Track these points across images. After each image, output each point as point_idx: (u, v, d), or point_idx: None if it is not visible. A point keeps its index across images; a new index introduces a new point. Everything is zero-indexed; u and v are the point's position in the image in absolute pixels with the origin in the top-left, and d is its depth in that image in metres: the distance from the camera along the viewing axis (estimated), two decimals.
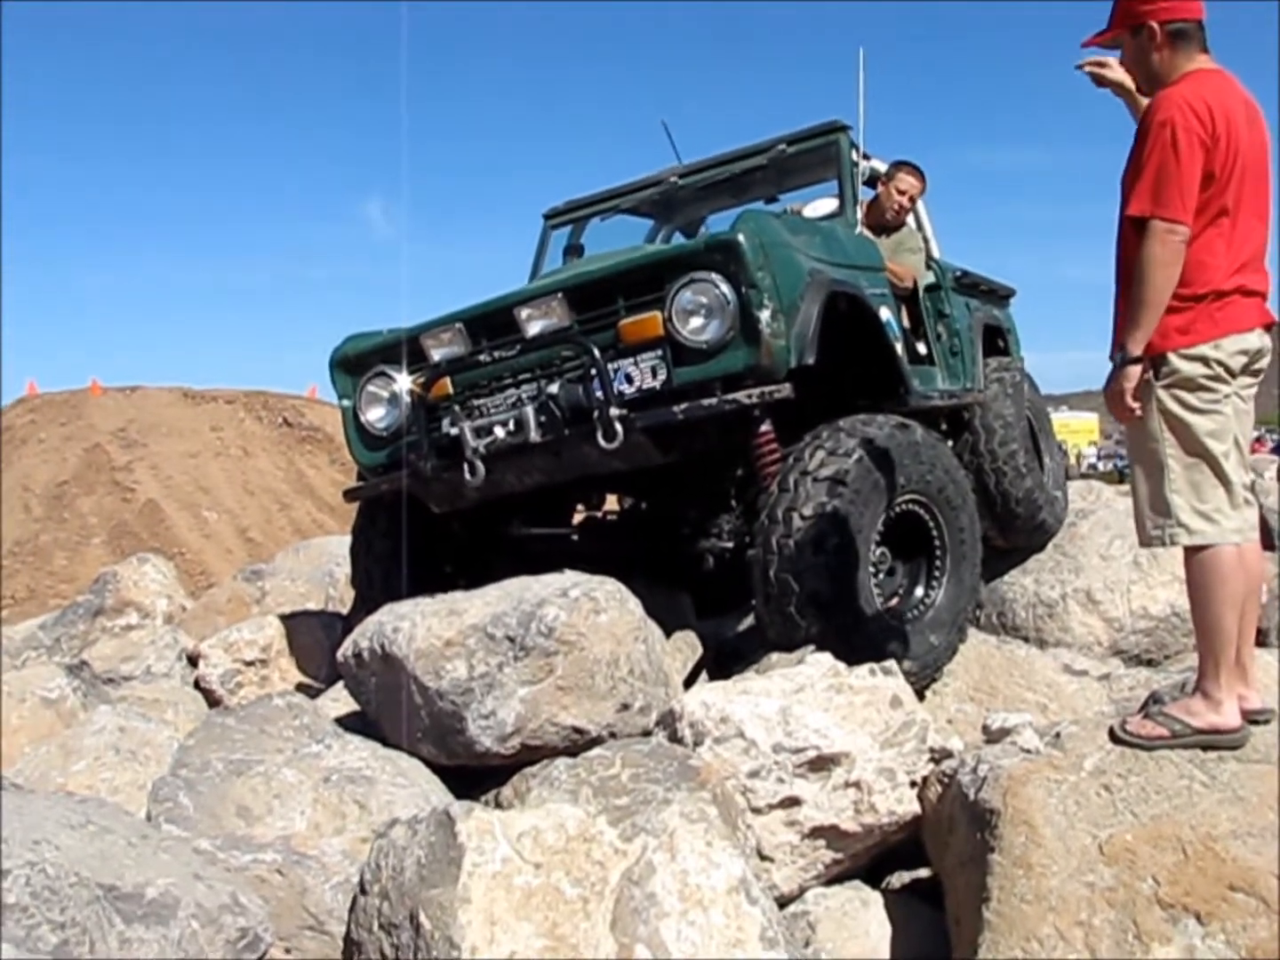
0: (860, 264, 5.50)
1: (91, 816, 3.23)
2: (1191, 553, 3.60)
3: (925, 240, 6.84)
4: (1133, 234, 3.56)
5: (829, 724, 4.05)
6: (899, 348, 5.53)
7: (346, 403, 5.36)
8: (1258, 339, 3.62)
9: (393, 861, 3.21)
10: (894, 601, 5.04)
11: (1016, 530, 6.69)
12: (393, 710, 4.69)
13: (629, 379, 4.68)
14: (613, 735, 4.46)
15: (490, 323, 4.93)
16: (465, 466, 4.80)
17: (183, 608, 7.36)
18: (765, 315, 4.55)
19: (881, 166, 6.76)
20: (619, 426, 4.50)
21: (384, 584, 5.50)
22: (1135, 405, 3.55)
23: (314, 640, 6.35)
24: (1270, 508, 7.81)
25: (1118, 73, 3.93)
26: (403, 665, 4.55)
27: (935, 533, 5.08)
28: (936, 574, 5.13)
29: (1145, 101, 3.79)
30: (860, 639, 4.56)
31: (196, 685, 6.34)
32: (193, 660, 6.60)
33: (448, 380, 5.02)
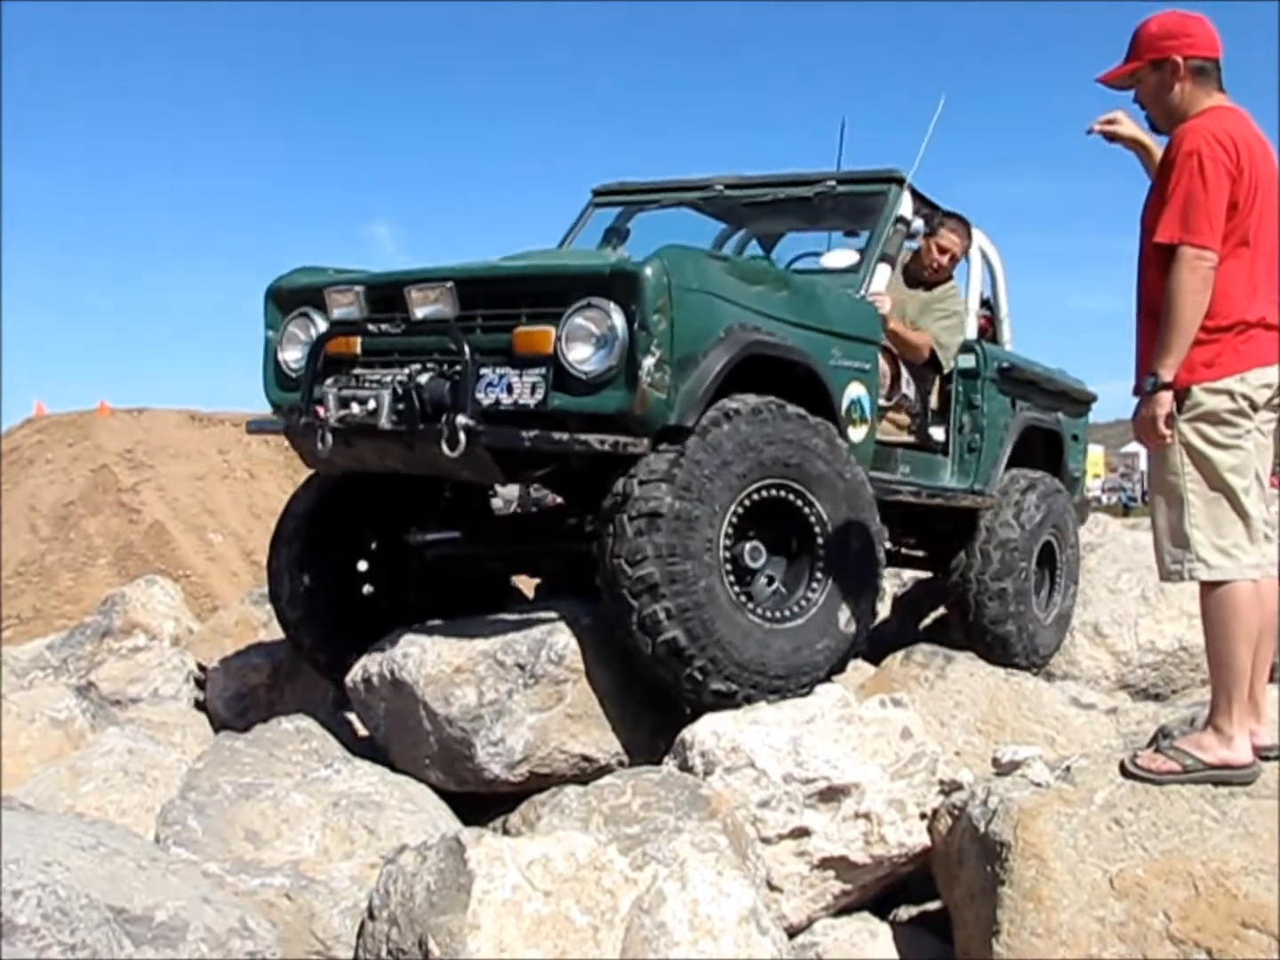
0: (836, 330, 5.12)
1: (102, 838, 3.23)
2: (1208, 587, 3.60)
3: (960, 298, 6.46)
4: (1159, 263, 3.58)
5: (839, 755, 4.05)
6: (860, 430, 5.17)
7: (270, 334, 5.19)
8: (1279, 373, 3.64)
9: (402, 887, 3.20)
10: (770, 601, 4.63)
11: (981, 647, 6.16)
12: (402, 736, 4.69)
13: (510, 389, 4.41)
14: (621, 764, 4.46)
15: (385, 294, 4.69)
16: (318, 433, 4.58)
17: (190, 630, 7.35)
18: (649, 362, 4.23)
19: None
20: (463, 436, 4.19)
21: (290, 584, 5.35)
22: (1167, 432, 3.55)
23: None
24: None
25: (1129, 127, 3.97)
26: (412, 691, 4.55)
27: (816, 525, 4.66)
28: (820, 571, 4.68)
29: (1158, 151, 3.83)
30: (702, 629, 4.23)
31: (204, 708, 6.33)
32: (200, 683, 6.60)
33: (356, 340, 4.81)
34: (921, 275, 6.32)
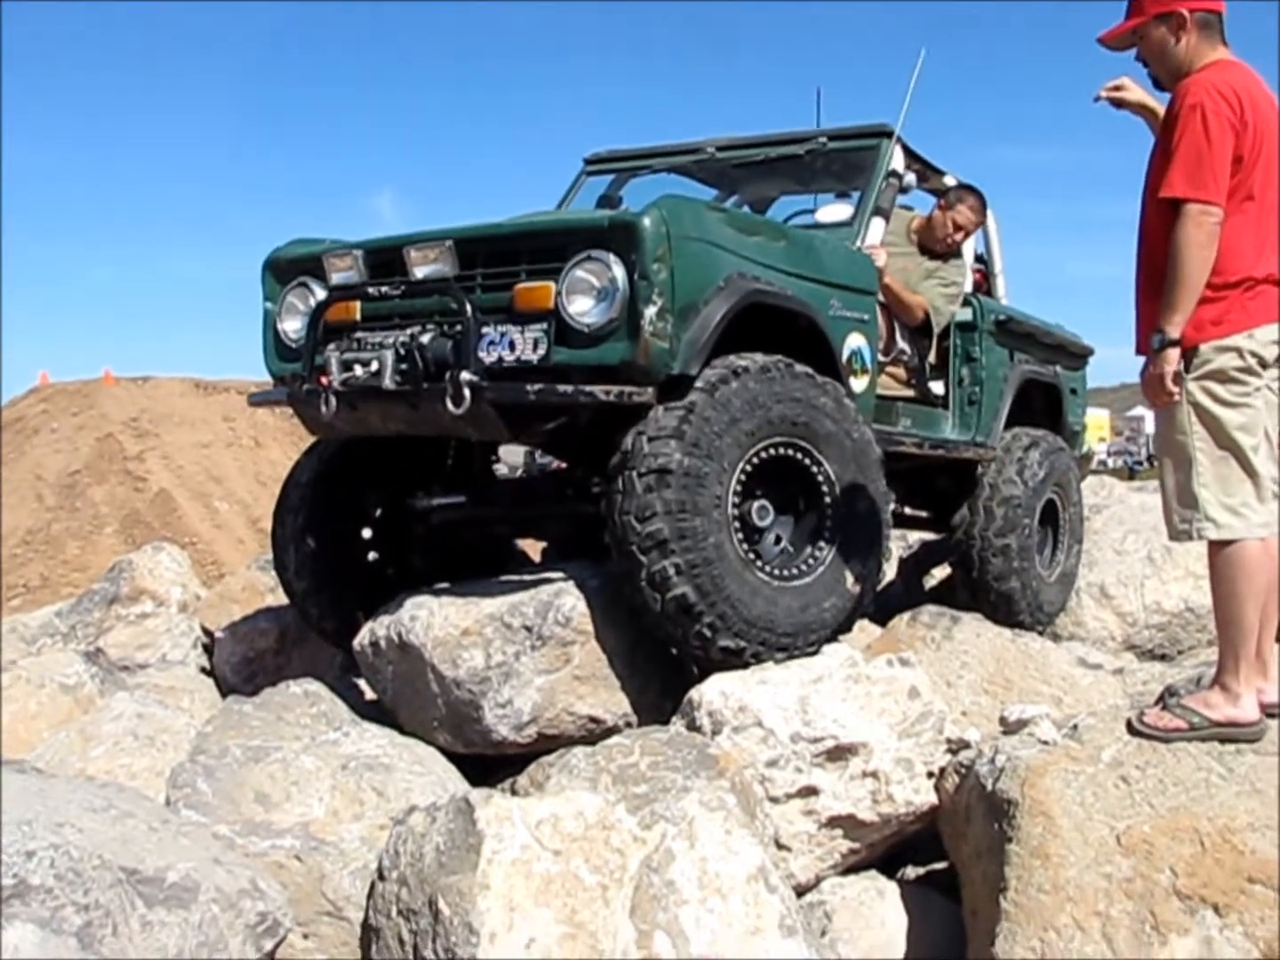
0: (834, 281, 5.14)
1: (113, 801, 3.25)
2: (1216, 546, 3.59)
3: (965, 272, 6.45)
4: (1161, 221, 3.56)
5: (847, 714, 4.06)
6: (861, 381, 5.20)
7: (269, 305, 5.19)
8: None
9: (411, 848, 3.22)
10: (778, 560, 4.64)
11: (986, 606, 6.16)
12: (409, 698, 4.70)
13: (512, 346, 4.42)
14: (629, 725, 4.47)
15: (384, 257, 4.70)
16: (321, 397, 4.59)
17: (197, 596, 7.36)
18: (650, 311, 4.23)
19: (950, 181, 6.50)
20: (468, 393, 4.19)
21: (296, 554, 5.35)
22: (1175, 390, 3.54)
23: None
24: None
25: (1136, 92, 3.94)
26: (420, 654, 4.56)
27: (824, 484, 4.67)
28: (827, 530, 4.70)
29: (1160, 107, 3.81)
30: (712, 585, 4.25)
31: (211, 673, 6.36)
32: (208, 648, 6.62)
33: (356, 305, 4.81)
34: (931, 244, 6.29)
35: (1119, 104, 3.96)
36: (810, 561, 4.66)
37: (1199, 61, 3.62)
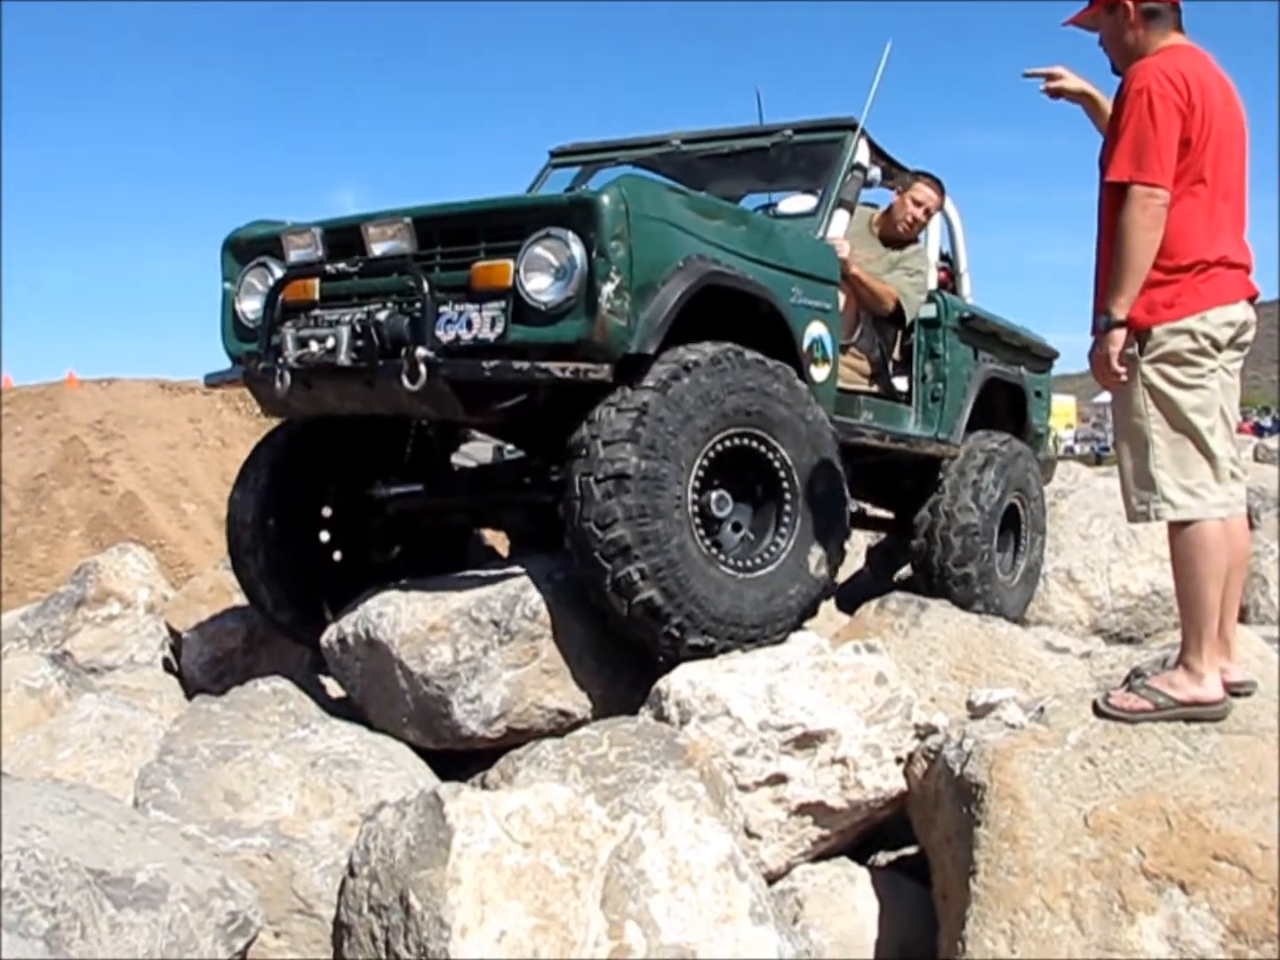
0: (796, 269, 5.13)
1: (80, 803, 3.23)
2: (1176, 527, 3.63)
3: (928, 261, 6.49)
4: (1113, 203, 3.60)
5: (815, 701, 4.07)
6: (822, 370, 5.19)
7: (228, 285, 5.13)
8: (1243, 311, 3.65)
9: (381, 844, 3.21)
10: (739, 550, 4.65)
11: (947, 595, 6.09)
12: (378, 695, 4.69)
13: (470, 324, 4.39)
14: (598, 718, 4.47)
15: (343, 237, 4.67)
16: (276, 374, 4.56)
17: (164, 597, 7.33)
18: (608, 289, 4.21)
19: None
20: (423, 369, 4.18)
21: (252, 539, 5.28)
22: (1121, 370, 3.57)
23: None
24: (1248, 487, 7.84)
25: (1073, 81, 3.98)
26: (387, 650, 4.55)
27: (780, 470, 4.67)
28: (786, 519, 4.69)
29: (1105, 102, 3.85)
30: (678, 587, 4.25)
31: (179, 674, 6.33)
32: (175, 649, 6.58)
33: (315, 284, 4.77)
34: (894, 232, 6.31)
35: (1057, 93, 4.00)
36: (772, 550, 4.66)
37: (1150, 49, 3.67)
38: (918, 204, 6.28)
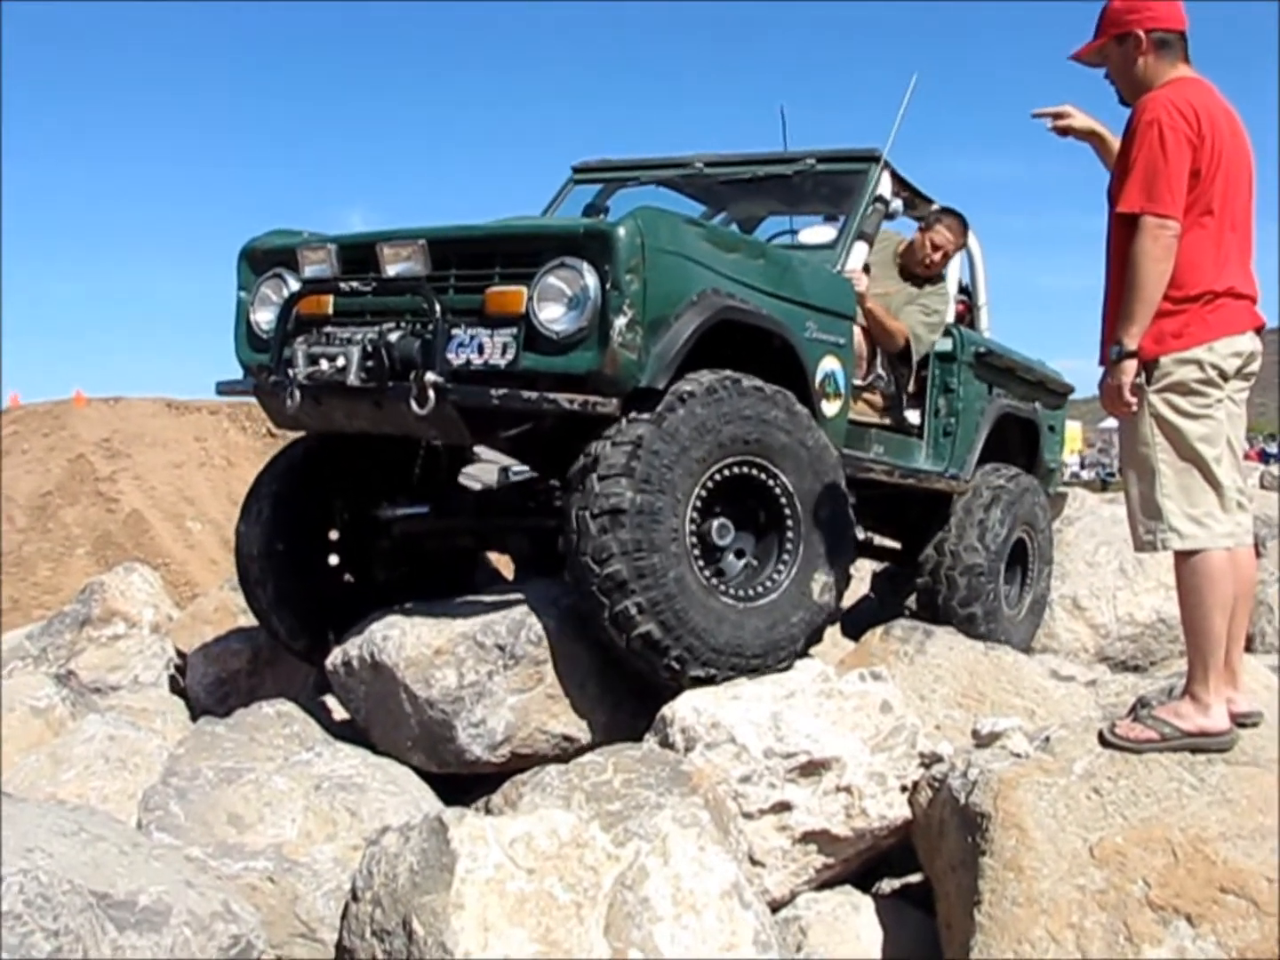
0: (812, 303, 5.09)
1: (83, 824, 3.23)
2: (1182, 556, 3.63)
3: (948, 300, 6.42)
4: (1123, 234, 3.61)
5: (820, 729, 4.07)
6: (834, 405, 5.16)
7: (243, 295, 5.14)
8: (1250, 342, 3.66)
9: (385, 868, 3.21)
10: (742, 578, 4.61)
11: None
12: (383, 718, 4.69)
13: (481, 349, 4.37)
14: (603, 744, 4.46)
15: (358, 253, 4.66)
16: (286, 390, 4.56)
17: (169, 617, 7.33)
18: (620, 321, 4.19)
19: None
20: (432, 394, 4.17)
21: (260, 570, 5.30)
22: (1132, 400, 3.58)
23: None
24: (1254, 515, 7.82)
25: (1081, 119, 4.00)
26: (392, 674, 4.54)
27: (782, 497, 4.62)
28: (789, 546, 4.65)
29: (1112, 139, 3.87)
30: (676, 620, 4.23)
31: (184, 694, 6.32)
32: (180, 669, 6.58)
33: (329, 300, 4.78)
34: (914, 269, 6.29)
35: (1064, 131, 4.01)
36: (774, 578, 4.63)
37: (1158, 80, 3.68)
38: (936, 247, 6.24)
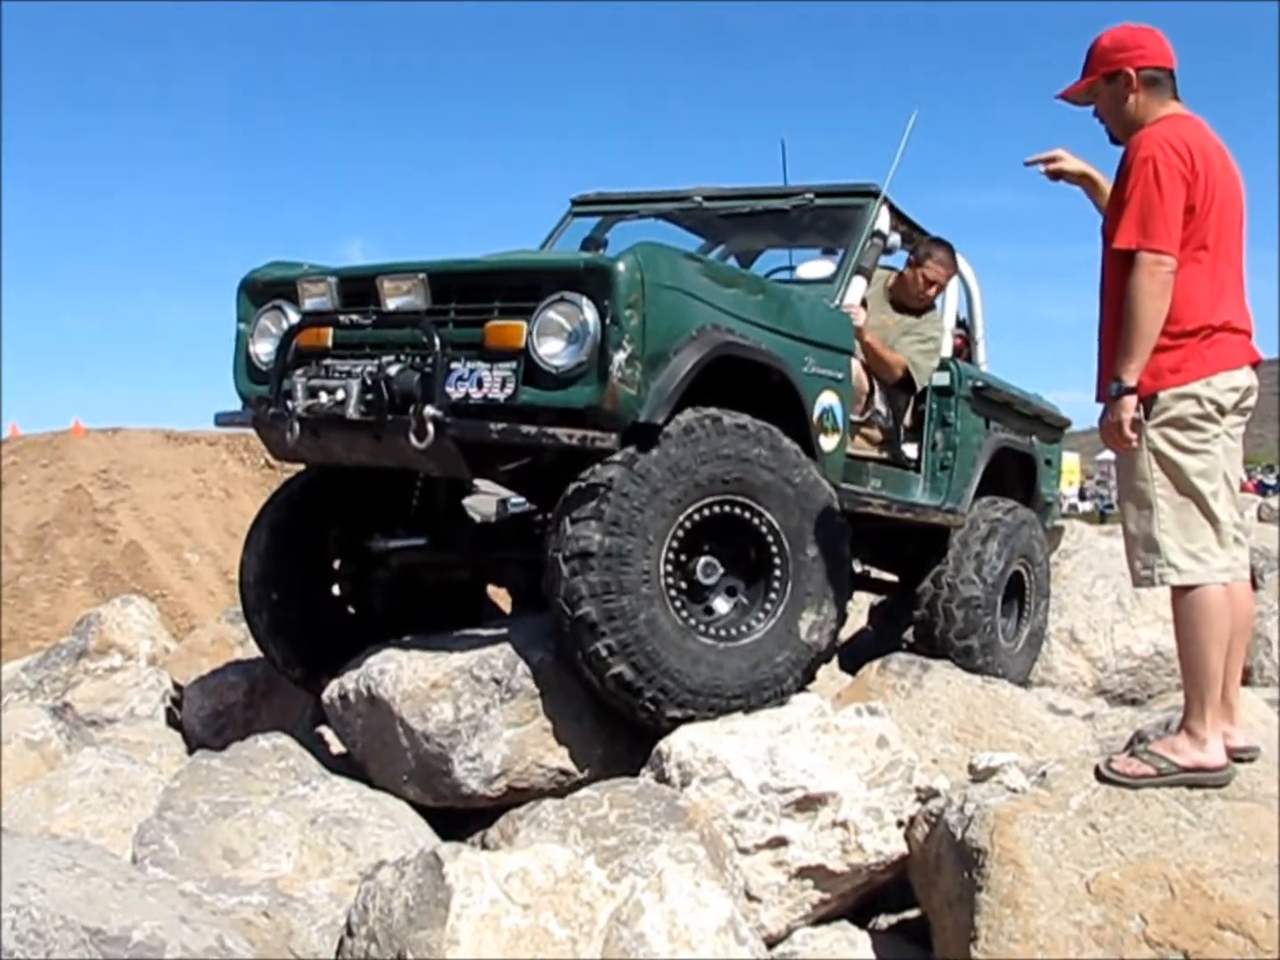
0: (810, 338, 5.09)
1: (77, 859, 3.21)
2: (1179, 591, 3.63)
3: (942, 327, 6.43)
4: (1118, 270, 3.62)
5: (816, 764, 4.06)
6: (832, 440, 5.14)
7: (243, 326, 5.15)
8: (1246, 377, 3.68)
9: (380, 903, 3.19)
10: (729, 619, 4.58)
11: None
12: (379, 752, 4.68)
13: (480, 383, 4.37)
14: (599, 778, 4.45)
15: (358, 286, 4.68)
16: (285, 422, 4.58)
17: (166, 649, 7.33)
18: (620, 357, 4.19)
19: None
20: (431, 428, 4.19)
21: (256, 598, 5.34)
22: (1133, 436, 3.59)
23: None
24: (1250, 547, 7.82)
25: (1073, 163, 4.03)
26: (389, 707, 4.54)
27: (768, 535, 4.58)
28: (775, 585, 4.60)
29: (1104, 181, 3.90)
30: (648, 661, 4.23)
31: (180, 727, 6.31)
32: (176, 702, 6.57)
33: (328, 332, 4.78)
34: (906, 301, 6.29)
35: (1057, 175, 4.04)
36: (759, 617, 4.59)
37: (1150, 117, 3.71)
38: (929, 282, 6.24)
